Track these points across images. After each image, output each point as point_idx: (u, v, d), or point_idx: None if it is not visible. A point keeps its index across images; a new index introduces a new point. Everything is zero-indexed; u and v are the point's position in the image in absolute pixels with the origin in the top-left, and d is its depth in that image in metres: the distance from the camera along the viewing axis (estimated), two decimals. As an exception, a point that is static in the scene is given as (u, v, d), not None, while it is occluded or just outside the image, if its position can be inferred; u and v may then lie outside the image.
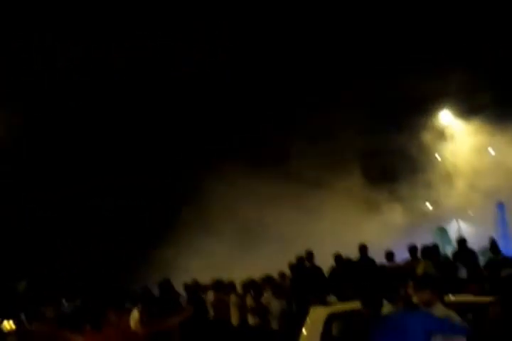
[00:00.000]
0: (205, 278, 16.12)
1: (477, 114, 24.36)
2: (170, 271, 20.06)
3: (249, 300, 14.36)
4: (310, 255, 15.89)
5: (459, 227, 22.74)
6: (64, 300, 16.16)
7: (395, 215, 23.40)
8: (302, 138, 24.10)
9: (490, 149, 24.15)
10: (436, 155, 25.38)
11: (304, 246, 16.80)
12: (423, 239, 17.96)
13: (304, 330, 8.38)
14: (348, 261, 15.71)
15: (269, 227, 22.02)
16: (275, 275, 15.29)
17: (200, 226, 22.29)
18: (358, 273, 14.09)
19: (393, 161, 24.90)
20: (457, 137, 25.21)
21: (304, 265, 15.77)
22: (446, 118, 25.78)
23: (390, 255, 15.77)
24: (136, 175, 26.56)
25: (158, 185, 25.70)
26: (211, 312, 14.51)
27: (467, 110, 25.44)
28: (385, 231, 17.32)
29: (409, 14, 25.80)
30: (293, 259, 15.83)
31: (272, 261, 17.21)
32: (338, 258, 15.86)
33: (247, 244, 21.26)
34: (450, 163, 24.79)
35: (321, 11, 25.60)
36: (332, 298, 11.22)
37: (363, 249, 15.96)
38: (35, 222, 25.53)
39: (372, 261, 15.62)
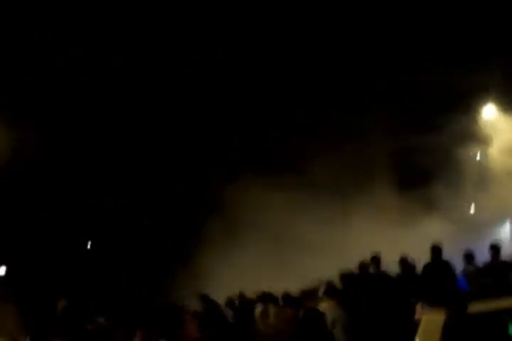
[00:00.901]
0: (235, 289, 15.86)
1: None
2: (200, 284, 19.93)
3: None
4: (377, 260, 14.71)
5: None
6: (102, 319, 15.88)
7: (432, 222, 22.36)
8: (326, 143, 23.95)
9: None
10: (478, 154, 24.76)
11: (333, 257, 16.92)
12: (469, 245, 17.08)
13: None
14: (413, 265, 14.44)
15: (297, 238, 21.91)
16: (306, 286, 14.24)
17: (226, 238, 22.27)
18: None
19: (428, 164, 23.93)
20: (499, 135, 24.77)
21: (367, 271, 14.64)
22: (487, 114, 25.05)
23: (469, 257, 14.83)
24: (157, 184, 26.51)
25: (180, 195, 25.60)
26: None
27: (509, 106, 24.55)
28: (422, 240, 17.21)
29: (435, 8, 25.28)
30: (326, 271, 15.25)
31: (302, 272, 17.15)
32: (404, 261, 14.61)
33: (276, 256, 21.25)
34: (491, 162, 24.27)
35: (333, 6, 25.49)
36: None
37: (435, 250, 14.48)
38: (38, 222, 25.47)
39: (447, 263, 14.33)
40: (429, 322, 7.89)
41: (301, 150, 23.99)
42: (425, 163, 23.21)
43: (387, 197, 23.48)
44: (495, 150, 23.68)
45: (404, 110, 25.67)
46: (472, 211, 24.26)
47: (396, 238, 19.79)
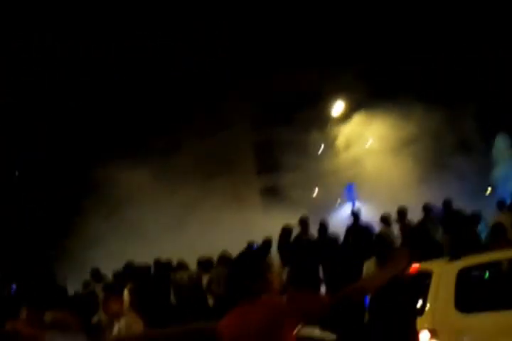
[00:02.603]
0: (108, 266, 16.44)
1: (359, 108, 26.35)
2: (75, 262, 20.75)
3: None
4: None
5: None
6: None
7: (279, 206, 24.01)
8: (191, 131, 25.34)
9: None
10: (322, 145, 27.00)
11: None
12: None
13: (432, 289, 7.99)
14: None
15: (149, 220, 22.65)
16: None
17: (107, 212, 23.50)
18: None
19: (282, 153, 25.86)
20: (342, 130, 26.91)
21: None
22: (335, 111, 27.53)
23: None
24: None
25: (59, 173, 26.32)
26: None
27: (351, 105, 27.01)
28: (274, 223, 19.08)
29: (296, 14, 26.50)
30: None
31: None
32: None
33: (139, 236, 22.70)
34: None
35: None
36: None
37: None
38: None
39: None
40: (445, 269, 8.27)
41: (166, 137, 25.37)
42: (279, 153, 25.93)
43: (244, 183, 26.00)
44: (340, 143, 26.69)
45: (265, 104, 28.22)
46: (315, 195, 26.89)
47: (252, 219, 22.03)
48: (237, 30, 26.57)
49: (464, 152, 23.91)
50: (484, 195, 24.19)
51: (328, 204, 25.64)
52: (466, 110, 24.02)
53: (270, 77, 27.33)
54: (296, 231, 15.89)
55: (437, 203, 15.92)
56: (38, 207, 25.48)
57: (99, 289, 13.54)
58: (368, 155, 25.39)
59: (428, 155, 23.66)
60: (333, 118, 27.08)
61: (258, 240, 15.94)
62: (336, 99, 27.36)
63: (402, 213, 15.76)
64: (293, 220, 16.54)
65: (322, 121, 26.92)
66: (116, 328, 8.10)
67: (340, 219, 22.38)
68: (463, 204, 16.15)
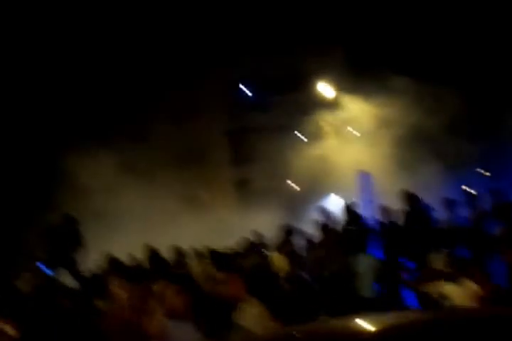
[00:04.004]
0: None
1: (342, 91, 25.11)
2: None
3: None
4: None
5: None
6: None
7: (255, 199, 22.59)
8: (161, 116, 24.22)
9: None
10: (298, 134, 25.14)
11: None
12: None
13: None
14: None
15: (116, 210, 21.90)
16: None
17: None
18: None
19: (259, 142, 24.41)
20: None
21: None
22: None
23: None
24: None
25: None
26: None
27: (333, 88, 24.70)
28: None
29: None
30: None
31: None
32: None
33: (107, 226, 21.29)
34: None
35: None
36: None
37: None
38: None
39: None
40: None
41: (143, 122, 24.11)
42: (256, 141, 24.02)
43: (218, 173, 24.21)
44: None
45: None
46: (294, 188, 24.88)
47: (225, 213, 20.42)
48: (213, 10, 25.05)
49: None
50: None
51: (312, 197, 23.62)
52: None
53: (247, 60, 25.67)
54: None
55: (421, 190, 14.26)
56: (3, 197, 24.16)
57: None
58: (354, 141, 23.43)
59: (413, 138, 22.01)
60: (316, 103, 25.10)
61: (231, 237, 14.57)
62: (317, 81, 25.42)
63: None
64: (269, 216, 14.96)
65: (304, 106, 24.89)
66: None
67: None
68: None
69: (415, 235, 11.71)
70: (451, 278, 7.78)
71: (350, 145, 22.96)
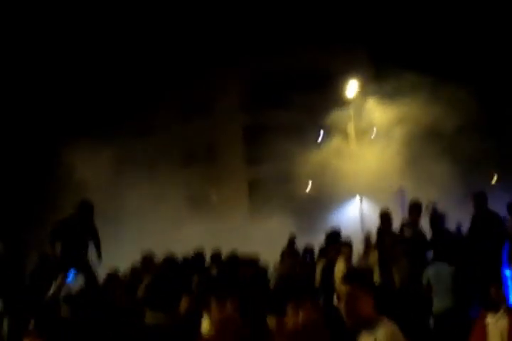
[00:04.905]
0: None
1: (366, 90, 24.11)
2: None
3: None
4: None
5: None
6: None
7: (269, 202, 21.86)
8: (168, 109, 22.95)
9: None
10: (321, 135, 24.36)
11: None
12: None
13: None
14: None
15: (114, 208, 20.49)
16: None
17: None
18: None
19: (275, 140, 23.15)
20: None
21: None
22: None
23: None
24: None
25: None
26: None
27: (356, 87, 23.81)
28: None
29: None
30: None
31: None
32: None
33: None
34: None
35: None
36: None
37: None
38: None
39: None
40: None
41: (153, 118, 22.91)
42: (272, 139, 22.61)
43: (230, 173, 22.79)
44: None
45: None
46: (308, 189, 23.32)
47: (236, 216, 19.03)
48: (237, 6, 24.24)
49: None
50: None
51: (326, 201, 22.24)
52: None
53: (267, 53, 24.32)
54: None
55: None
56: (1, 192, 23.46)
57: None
58: (375, 144, 21.93)
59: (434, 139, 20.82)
60: (337, 102, 23.73)
61: (241, 244, 12.59)
62: (340, 81, 24.14)
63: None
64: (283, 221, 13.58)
65: (324, 105, 23.52)
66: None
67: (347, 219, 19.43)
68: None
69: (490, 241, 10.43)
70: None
71: (373, 147, 21.60)
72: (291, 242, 13.07)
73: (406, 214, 15.92)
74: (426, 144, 21.02)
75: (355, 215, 21.52)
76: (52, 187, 21.30)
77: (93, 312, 9.50)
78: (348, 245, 10.60)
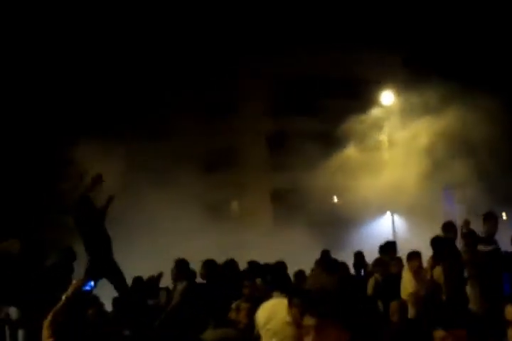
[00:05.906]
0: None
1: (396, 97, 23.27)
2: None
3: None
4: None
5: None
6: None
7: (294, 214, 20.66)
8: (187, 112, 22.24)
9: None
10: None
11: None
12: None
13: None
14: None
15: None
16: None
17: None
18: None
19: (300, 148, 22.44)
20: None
21: None
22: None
23: None
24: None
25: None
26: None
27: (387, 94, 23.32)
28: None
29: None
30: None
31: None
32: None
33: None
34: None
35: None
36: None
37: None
38: None
39: None
40: None
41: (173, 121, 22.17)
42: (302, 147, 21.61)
43: (252, 182, 21.69)
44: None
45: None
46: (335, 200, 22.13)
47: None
48: (268, 7, 23.75)
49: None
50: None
51: (355, 214, 20.94)
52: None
53: (294, 55, 23.58)
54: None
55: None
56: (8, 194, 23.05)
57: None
58: (408, 153, 20.76)
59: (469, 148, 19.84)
60: (367, 109, 22.75)
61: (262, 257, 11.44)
62: (371, 88, 23.24)
63: None
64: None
65: (353, 112, 22.51)
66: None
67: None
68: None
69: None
70: None
71: (407, 157, 20.46)
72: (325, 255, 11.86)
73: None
74: (458, 156, 20.01)
75: (388, 230, 20.36)
76: (64, 189, 20.67)
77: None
78: (417, 256, 9.12)
